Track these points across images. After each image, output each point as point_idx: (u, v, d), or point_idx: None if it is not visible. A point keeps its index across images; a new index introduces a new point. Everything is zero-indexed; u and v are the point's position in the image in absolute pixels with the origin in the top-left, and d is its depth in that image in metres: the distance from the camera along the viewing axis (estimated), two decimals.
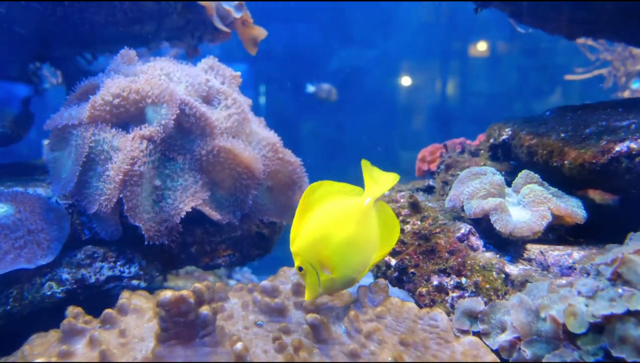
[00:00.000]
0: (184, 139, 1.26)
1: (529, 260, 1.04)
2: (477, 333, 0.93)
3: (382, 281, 1.00)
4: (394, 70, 4.45)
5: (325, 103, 3.78)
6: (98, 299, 1.17)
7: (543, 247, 1.05)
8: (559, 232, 1.12)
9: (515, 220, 1.05)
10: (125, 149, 1.14)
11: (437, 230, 1.14)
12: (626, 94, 3.12)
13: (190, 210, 1.21)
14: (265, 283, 1.06)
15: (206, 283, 0.92)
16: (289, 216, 1.49)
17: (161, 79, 1.29)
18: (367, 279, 1.11)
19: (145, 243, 1.17)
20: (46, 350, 0.93)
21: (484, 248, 1.10)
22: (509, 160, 1.48)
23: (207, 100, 1.34)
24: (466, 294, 1.03)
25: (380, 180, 0.99)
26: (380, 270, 1.21)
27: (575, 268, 0.98)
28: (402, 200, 1.34)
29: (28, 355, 0.91)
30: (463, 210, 1.14)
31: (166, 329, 0.80)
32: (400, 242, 1.16)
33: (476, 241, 1.10)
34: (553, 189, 1.13)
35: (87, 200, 1.19)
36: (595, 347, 0.77)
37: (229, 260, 1.42)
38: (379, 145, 4.26)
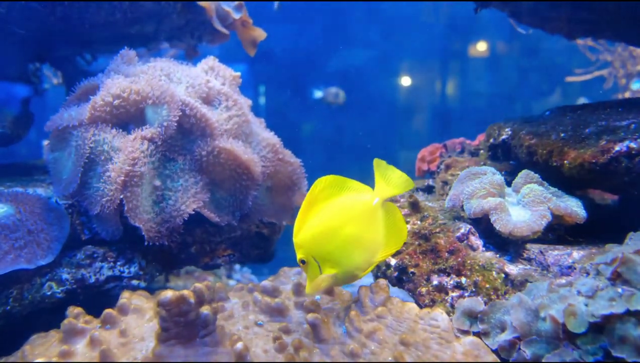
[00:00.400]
0: (184, 139, 1.26)
1: (529, 259, 1.04)
2: (477, 333, 0.93)
3: (382, 281, 1.00)
4: (393, 71, 4.45)
5: (333, 106, 3.77)
6: (98, 299, 1.17)
7: (543, 247, 1.05)
8: (558, 232, 1.12)
9: (515, 220, 1.05)
10: (126, 150, 1.14)
11: (437, 229, 1.14)
12: (627, 95, 3.12)
13: (192, 212, 1.21)
14: (265, 283, 1.06)
15: (206, 283, 0.92)
16: (289, 217, 1.49)
17: (161, 79, 1.29)
18: (367, 279, 1.11)
19: (146, 243, 1.17)
20: (47, 350, 0.93)
21: (484, 248, 1.10)
22: (509, 160, 1.48)
23: (208, 101, 1.34)
24: (466, 294, 1.03)
25: (392, 182, 0.97)
26: (380, 269, 1.21)
27: (575, 268, 0.98)
28: (402, 200, 1.34)
29: (28, 355, 0.91)
30: (463, 210, 1.14)
31: (167, 329, 0.80)
32: None
33: (476, 241, 1.10)
34: (553, 189, 1.13)
35: (88, 201, 1.19)
36: (595, 346, 0.77)
37: (229, 260, 1.42)
38: (378, 145, 4.26)
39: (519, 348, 0.84)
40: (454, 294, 1.04)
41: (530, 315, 0.85)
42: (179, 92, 1.25)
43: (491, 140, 1.54)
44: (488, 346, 0.89)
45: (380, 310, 0.95)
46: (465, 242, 1.10)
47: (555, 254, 1.02)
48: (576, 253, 1.01)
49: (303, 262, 0.91)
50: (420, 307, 1.03)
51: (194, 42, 1.96)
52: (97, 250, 1.21)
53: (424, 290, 1.08)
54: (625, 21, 1.49)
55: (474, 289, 1.03)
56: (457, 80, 4.44)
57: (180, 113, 1.20)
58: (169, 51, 2.15)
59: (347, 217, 0.93)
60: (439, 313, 0.95)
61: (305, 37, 4.39)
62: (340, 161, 4.28)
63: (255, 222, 1.47)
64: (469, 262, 1.06)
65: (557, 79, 3.95)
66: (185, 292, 0.79)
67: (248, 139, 1.37)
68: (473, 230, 1.12)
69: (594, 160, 1.05)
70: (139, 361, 0.86)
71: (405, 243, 1.16)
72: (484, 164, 1.47)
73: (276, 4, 2.37)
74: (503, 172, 1.26)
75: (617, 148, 1.02)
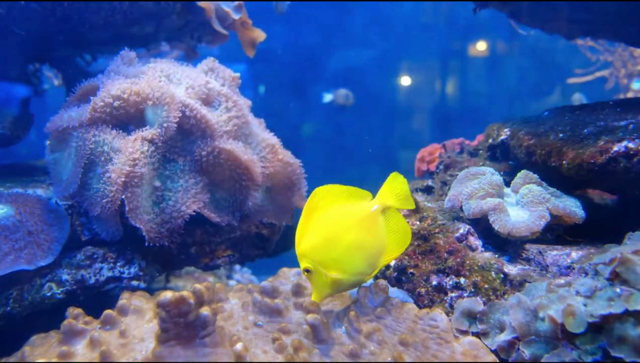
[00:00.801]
0: (184, 140, 1.26)
1: (528, 260, 1.05)
2: (476, 334, 0.93)
3: (382, 282, 1.00)
4: (393, 71, 4.45)
5: (344, 108, 3.78)
6: (98, 300, 1.17)
7: (542, 247, 1.05)
8: (557, 232, 1.12)
9: (514, 220, 1.05)
10: (127, 151, 1.14)
11: (436, 230, 1.14)
12: (629, 95, 3.12)
13: (193, 213, 1.22)
14: (265, 283, 1.06)
15: (206, 284, 0.92)
16: (288, 217, 1.49)
17: (161, 80, 1.29)
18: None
19: (146, 244, 1.17)
20: (46, 351, 0.93)
21: (483, 249, 1.10)
22: (508, 160, 1.49)
23: (207, 102, 1.34)
24: (465, 294, 1.03)
25: (395, 193, 0.98)
26: (379, 270, 1.21)
27: (573, 268, 0.98)
28: None
29: (28, 356, 0.92)
30: (462, 210, 1.14)
31: (166, 330, 0.80)
32: None
33: (475, 241, 1.11)
34: (552, 189, 1.13)
35: (88, 202, 1.19)
36: (593, 346, 0.77)
37: (229, 261, 1.42)
38: (378, 145, 4.27)
39: (518, 349, 0.84)
40: (453, 294, 1.04)
41: (529, 315, 0.85)
42: (179, 93, 1.26)
43: (490, 141, 1.55)
44: (487, 346, 0.90)
45: (380, 311, 0.95)
46: (464, 242, 1.10)
47: (554, 254, 1.02)
48: (575, 254, 1.01)
49: (307, 270, 0.91)
50: (420, 307, 1.03)
51: (194, 43, 1.96)
52: (97, 251, 1.21)
53: (423, 290, 1.09)
54: (624, 21, 1.49)
55: (473, 289, 1.03)
56: (456, 80, 4.44)
57: (180, 114, 1.21)
58: (171, 53, 2.15)
59: (349, 223, 0.93)
60: (438, 314, 0.95)
61: (305, 38, 4.39)
62: (340, 161, 4.28)
63: (255, 222, 1.48)
64: (468, 262, 1.06)
65: (557, 79, 3.95)
66: (185, 293, 0.79)
67: (248, 139, 1.37)
68: (472, 230, 1.12)
69: (592, 161, 1.05)
70: (139, 362, 0.86)
71: None
72: (483, 165, 1.47)
73: (278, 6, 2.37)
74: (502, 173, 1.27)
75: (615, 148, 1.02)
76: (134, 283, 1.23)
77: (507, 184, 1.20)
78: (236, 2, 1.84)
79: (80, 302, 1.15)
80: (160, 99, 1.20)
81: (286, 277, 1.15)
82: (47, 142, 1.30)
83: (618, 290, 0.79)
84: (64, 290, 1.15)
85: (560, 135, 1.18)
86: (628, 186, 1.08)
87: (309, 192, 1.45)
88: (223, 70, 1.47)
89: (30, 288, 1.12)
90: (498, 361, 0.87)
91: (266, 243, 1.54)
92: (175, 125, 1.20)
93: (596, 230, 1.10)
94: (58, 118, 1.24)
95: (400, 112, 4.52)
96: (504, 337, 0.87)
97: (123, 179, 1.12)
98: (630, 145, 1.01)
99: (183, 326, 0.80)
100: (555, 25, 1.65)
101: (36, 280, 1.13)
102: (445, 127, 4.32)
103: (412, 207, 1.00)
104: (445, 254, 1.10)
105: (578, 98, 3.25)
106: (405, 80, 4.45)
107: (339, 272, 0.91)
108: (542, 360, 0.80)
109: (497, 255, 1.07)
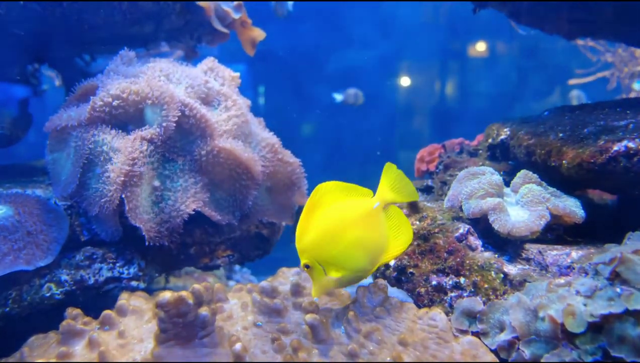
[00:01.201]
0: (183, 140, 1.26)
1: (528, 259, 1.04)
2: (475, 333, 0.93)
3: (381, 281, 1.00)
4: (393, 71, 4.45)
5: (353, 107, 3.79)
6: (97, 300, 1.17)
7: (541, 247, 1.05)
8: (557, 232, 1.12)
9: (514, 220, 1.05)
10: (126, 150, 1.14)
11: (436, 230, 1.14)
12: (632, 95, 3.12)
13: (192, 212, 1.21)
14: (264, 283, 1.06)
15: (205, 284, 0.92)
16: (288, 217, 1.49)
17: (161, 80, 1.29)
18: (366, 279, 1.11)
19: (146, 244, 1.17)
20: (45, 352, 0.93)
21: (483, 248, 1.10)
22: (508, 160, 1.48)
23: (207, 101, 1.34)
24: (465, 294, 1.03)
25: (396, 188, 0.98)
26: (379, 270, 1.21)
27: (573, 268, 0.98)
28: None
29: (27, 357, 0.91)
30: (461, 210, 1.14)
31: (165, 330, 0.80)
32: None
33: (475, 241, 1.10)
34: (551, 189, 1.13)
35: (87, 202, 1.19)
36: (593, 346, 0.77)
37: (229, 261, 1.42)
38: (378, 145, 4.27)
39: (518, 348, 0.84)
40: (453, 294, 1.04)
41: (529, 315, 0.85)
42: (179, 93, 1.25)
43: (490, 141, 1.54)
44: (487, 346, 0.89)
45: (379, 311, 0.95)
46: (464, 242, 1.10)
47: (554, 254, 1.02)
48: (575, 253, 1.01)
49: (307, 266, 0.91)
50: (419, 307, 1.03)
51: (193, 43, 1.96)
52: (97, 251, 1.21)
53: (422, 290, 1.08)
54: (624, 21, 1.49)
55: (472, 289, 1.03)
56: (456, 80, 4.44)
57: (180, 113, 1.21)
58: (171, 54, 2.15)
59: (350, 220, 0.94)
60: (437, 313, 0.95)
61: (304, 37, 4.39)
62: (339, 161, 4.28)
63: (255, 222, 1.47)
64: (467, 262, 1.06)
65: (557, 79, 3.95)
66: (184, 293, 0.79)
67: (247, 139, 1.37)
68: (472, 230, 1.12)
69: (592, 160, 1.05)
70: (138, 362, 0.86)
71: None
72: (483, 164, 1.47)
73: (278, 9, 2.36)
74: (502, 172, 1.26)
75: (615, 148, 1.02)
76: (134, 283, 1.23)
77: (507, 184, 1.19)
78: (236, 2, 1.84)
79: (80, 302, 1.14)
80: (159, 98, 1.20)
81: (285, 277, 1.15)
82: (48, 142, 1.30)
83: (618, 289, 0.79)
84: (63, 291, 1.15)
85: (560, 134, 1.17)
86: (628, 186, 1.08)
87: (310, 191, 1.45)
88: (223, 70, 1.47)
89: (29, 289, 1.12)
90: (497, 360, 0.87)
91: (266, 243, 1.54)
92: (175, 125, 1.20)
93: (596, 230, 1.10)
94: (57, 117, 1.24)
95: (400, 112, 4.52)
96: (503, 336, 0.87)
97: (122, 179, 1.12)
98: (630, 144, 1.00)
99: (182, 326, 0.80)
100: (555, 26, 1.65)
101: (35, 281, 1.13)
102: (445, 127, 4.32)
103: (416, 198, 1.00)
104: (445, 254, 1.09)
105: (576, 95, 3.24)
106: (405, 80, 4.45)
107: (339, 268, 0.91)
108: (542, 360, 0.80)
109: (497, 255, 1.07)
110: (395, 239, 0.97)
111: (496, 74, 4.41)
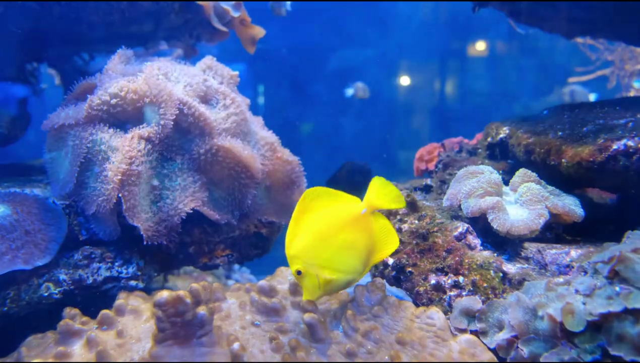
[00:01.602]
0: (182, 138, 1.26)
1: (527, 258, 1.04)
2: (474, 332, 0.93)
3: (379, 280, 1.00)
4: (392, 70, 4.45)
5: (361, 101, 3.82)
6: (95, 300, 1.17)
7: (541, 246, 1.05)
8: (556, 231, 1.12)
9: (513, 219, 1.04)
10: (124, 149, 1.14)
11: (435, 229, 1.14)
12: (632, 94, 3.12)
13: (190, 211, 1.21)
14: (262, 283, 1.06)
15: (203, 284, 0.92)
16: (288, 215, 1.48)
17: (159, 78, 1.29)
18: (365, 278, 1.11)
19: (144, 243, 1.17)
20: (43, 351, 0.92)
21: (482, 247, 1.10)
22: (507, 159, 1.48)
23: (205, 100, 1.33)
24: (464, 293, 1.03)
25: (382, 195, 0.98)
26: (377, 269, 1.21)
27: (572, 267, 0.98)
28: None
29: (25, 357, 0.91)
30: (460, 209, 1.14)
31: (163, 329, 0.80)
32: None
33: (474, 240, 1.10)
34: (550, 188, 1.13)
35: (84, 201, 1.18)
36: (592, 345, 0.77)
37: (228, 260, 1.42)
38: (377, 144, 4.26)
39: (517, 347, 0.84)
40: (452, 293, 1.04)
41: (528, 314, 0.85)
42: (177, 91, 1.25)
43: (489, 139, 1.54)
44: (486, 345, 0.89)
45: (377, 309, 0.95)
46: (463, 241, 1.10)
47: (553, 253, 1.02)
48: (574, 252, 1.00)
49: (299, 272, 0.90)
50: (418, 306, 1.03)
51: (193, 41, 1.95)
52: (95, 251, 1.21)
53: (421, 289, 1.08)
54: (624, 20, 1.49)
55: (471, 288, 1.02)
56: (456, 79, 4.44)
57: (178, 112, 1.20)
58: (172, 52, 2.14)
59: (339, 224, 0.94)
60: (435, 312, 0.95)
61: (304, 36, 4.39)
62: (339, 160, 4.27)
63: (254, 221, 1.47)
64: (466, 261, 1.06)
65: (556, 79, 3.95)
66: (182, 293, 0.79)
67: (246, 137, 1.37)
68: (471, 229, 1.11)
69: (591, 159, 1.04)
70: (136, 362, 0.86)
71: (402, 242, 1.16)
72: (482, 163, 1.46)
73: (275, 8, 2.36)
74: (501, 171, 1.26)
75: (614, 146, 1.02)
76: (132, 283, 1.23)
77: (506, 183, 1.19)
78: (235, 1, 1.83)
79: (78, 302, 1.14)
80: (157, 97, 1.19)
81: (284, 277, 1.15)
82: (46, 141, 1.29)
83: (617, 288, 0.78)
84: (61, 290, 1.14)
85: (559, 133, 1.17)
86: (627, 184, 1.08)
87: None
88: (222, 69, 1.46)
89: (27, 288, 1.12)
90: (495, 359, 0.86)
91: (265, 242, 1.54)
92: (173, 123, 1.19)
93: (595, 228, 1.10)
94: (55, 116, 1.24)
95: (399, 111, 4.52)
96: (502, 335, 0.87)
97: (120, 177, 1.11)
98: (630, 143, 1.00)
99: (180, 326, 0.79)
100: (555, 24, 1.65)
101: (33, 280, 1.13)
102: (445, 126, 4.32)
103: (403, 205, 1.00)
104: (444, 253, 1.09)
105: (579, 90, 3.22)
106: (405, 80, 4.45)
107: (332, 271, 0.90)
108: (541, 359, 0.79)
109: (496, 254, 1.07)
110: (383, 243, 0.97)
111: (495, 72, 4.41)
